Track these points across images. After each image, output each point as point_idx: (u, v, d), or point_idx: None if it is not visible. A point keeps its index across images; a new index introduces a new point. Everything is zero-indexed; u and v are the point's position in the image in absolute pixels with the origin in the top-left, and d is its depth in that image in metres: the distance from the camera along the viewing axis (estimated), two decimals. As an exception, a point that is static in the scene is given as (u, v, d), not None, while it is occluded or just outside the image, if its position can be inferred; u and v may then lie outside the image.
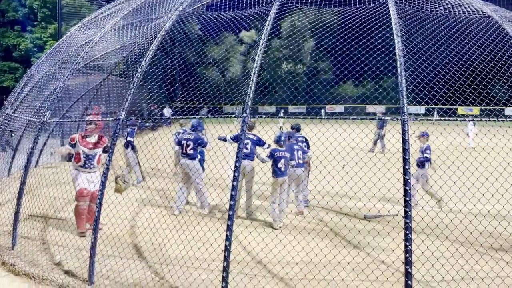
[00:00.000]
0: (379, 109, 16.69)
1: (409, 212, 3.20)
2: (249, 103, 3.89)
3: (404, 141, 3.26)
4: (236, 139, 6.76)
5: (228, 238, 3.71)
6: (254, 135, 7.10)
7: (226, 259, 3.71)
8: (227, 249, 3.69)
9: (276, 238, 5.30)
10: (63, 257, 4.83)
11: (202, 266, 4.60)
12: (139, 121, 9.34)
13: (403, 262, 3.35)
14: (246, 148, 6.84)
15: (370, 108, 35.87)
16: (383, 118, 13.75)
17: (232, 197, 3.83)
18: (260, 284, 4.30)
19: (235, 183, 3.89)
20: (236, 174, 3.92)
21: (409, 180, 3.28)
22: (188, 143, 7.11)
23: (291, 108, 47.42)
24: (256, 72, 4.08)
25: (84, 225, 5.73)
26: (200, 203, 7.16)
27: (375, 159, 10.42)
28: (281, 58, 51.35)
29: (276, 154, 6.58)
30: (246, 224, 6.36)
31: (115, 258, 4.80)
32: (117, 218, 5.24)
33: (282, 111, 36.05)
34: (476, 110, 39.33)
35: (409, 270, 3.20)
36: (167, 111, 27.20)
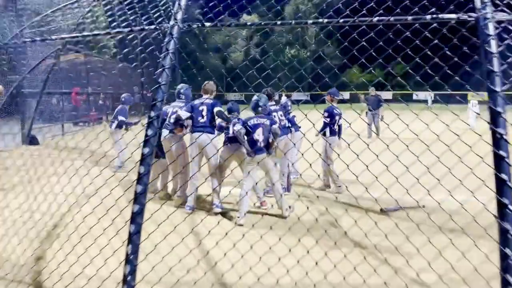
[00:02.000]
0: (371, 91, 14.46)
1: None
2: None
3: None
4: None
5: (130, 262, 2.27)
6: (211, 99, 5.59)
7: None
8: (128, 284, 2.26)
9: (260, 243, 3.41)
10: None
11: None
12: (133, 98, 8.57)
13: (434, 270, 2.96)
14: (202, 116, 5.41)
15: (370, 91, 35.37)
16: (378, 96, 11.95)
17: (140, 179, 2.36)
18: None
19: (146, 151, 2.39)
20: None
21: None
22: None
23: (295, 95, 45.72)
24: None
25: None
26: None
27: (378, 144, 9.90)
28: (284, 43, 51.23)
29: (250, 122, 5.17)
30: (210, 222, 4.74)
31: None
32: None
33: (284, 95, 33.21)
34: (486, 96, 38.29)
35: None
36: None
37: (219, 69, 51.07)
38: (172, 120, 5.65)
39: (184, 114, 5.44)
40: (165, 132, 5.79)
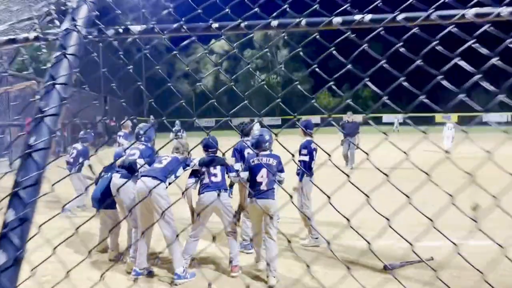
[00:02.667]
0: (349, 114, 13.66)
1: None
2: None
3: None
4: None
5: None
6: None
7: None
8: None
9: None
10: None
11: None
12: (92, 134, 7.54)
13: None
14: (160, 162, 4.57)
15: (345, 117, 36.14)
16: (354, 121, 10.40)
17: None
18: None
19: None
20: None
21: None
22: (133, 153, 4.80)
23: (266, 120, 47.14)
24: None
25: None
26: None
27: (360, 176, 9.46)
28: (254, 68, 51.89)
29: (252, 162, 4.39)
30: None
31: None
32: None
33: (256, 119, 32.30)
34: (454, 117, 40.26)
35: None
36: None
37: (188, 95, 51.37)
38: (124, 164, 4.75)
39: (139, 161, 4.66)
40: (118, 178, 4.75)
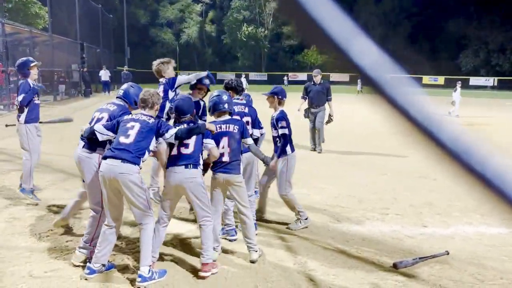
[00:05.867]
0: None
1: None
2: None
3: None
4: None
5: None
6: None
7: None
8: None
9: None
10: None
11: None
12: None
13: None
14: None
15: (335, 76, 37.37)
16: (321, 82, 7.99)
17: None
18: None
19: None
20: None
21: None
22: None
23: (252, 76, 47.08)
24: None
25: None
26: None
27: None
28: (241, 20, 51.01)
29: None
30: None
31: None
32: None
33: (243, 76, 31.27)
34: (441, 79, 41.66)
35: None
36: (105, 74, 25.69)
37: (172, 45, 49.71)
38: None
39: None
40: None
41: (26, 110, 4.98)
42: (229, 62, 50.19)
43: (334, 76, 37.70)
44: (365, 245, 3.97)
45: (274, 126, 4.56)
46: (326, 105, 8.86)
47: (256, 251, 3.75)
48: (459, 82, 17.13)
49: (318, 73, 8.61)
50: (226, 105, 3.82)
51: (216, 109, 3.82)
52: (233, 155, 3.72)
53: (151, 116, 3.48)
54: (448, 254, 3.73)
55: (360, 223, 4.42)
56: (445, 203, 5.13)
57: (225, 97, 3.85)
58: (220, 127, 3.74)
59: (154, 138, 3.45)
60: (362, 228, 4.35)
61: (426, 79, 41.49)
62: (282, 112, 4.61)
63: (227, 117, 3.84)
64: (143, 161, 3.34)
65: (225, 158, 3.68)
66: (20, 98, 4.90)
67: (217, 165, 3.68)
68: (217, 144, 3.66)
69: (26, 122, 5.01)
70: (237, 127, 3.78)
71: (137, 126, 3.38)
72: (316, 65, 44.81)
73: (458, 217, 4.69)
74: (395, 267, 3.54)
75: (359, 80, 18.81)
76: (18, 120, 5.01)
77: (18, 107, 5.04)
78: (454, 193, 5.24)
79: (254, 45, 51.64)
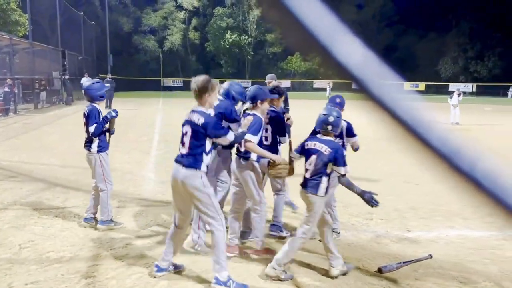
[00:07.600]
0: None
1: None
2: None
3: None
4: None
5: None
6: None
7: None
8: None
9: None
10: None
11: None
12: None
13: None
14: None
15: (318, 83, 38.16)
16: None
17: None
18: None
19: None
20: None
21: None
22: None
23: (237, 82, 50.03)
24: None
25: None
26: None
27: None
28: (225, 28, 50.58)
29: (308, 145, 3.53)
30: None
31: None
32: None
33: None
34: (422, 86, 42.68)
35: None
36: (87, 81, 28.51)
37: (155, 52, 49.30)
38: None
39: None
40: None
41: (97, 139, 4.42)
42: (213, 69, 50.24)
43: (317, 83, 38.34)
44: (350, 250, 3.94)
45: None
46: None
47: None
48: (458, 88, 17.60)
49: (272, 78, 7.58)
50: (330, 127, 3.45)
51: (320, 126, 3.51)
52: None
53: (203, 113, 3.24)
54: (431, 257, 3.74)
55: (345, 228, 4.45)
56: (429, 207, 5.24)
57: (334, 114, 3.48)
58: (314, 144, 3.46)
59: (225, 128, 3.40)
60: (347, 233, 4.37)
61: (408, 85, 42.48)
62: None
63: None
64: (206, 166, 3.25)
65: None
66: (92, 129, 4.36)
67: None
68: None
69: (99, 151, 4.45)
70: (330, 149, 3.40)
71: (189, 131, 3.24)
72: (299, 72, 44.84)
73: (441, 221, 4.78)
74: (380, 271, 3.54)
75: (328, 86, 24.11)
76: (90, 151, 4.45)
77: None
78: (438, 198, 5.37)
79: (238, 53, 51.88)
